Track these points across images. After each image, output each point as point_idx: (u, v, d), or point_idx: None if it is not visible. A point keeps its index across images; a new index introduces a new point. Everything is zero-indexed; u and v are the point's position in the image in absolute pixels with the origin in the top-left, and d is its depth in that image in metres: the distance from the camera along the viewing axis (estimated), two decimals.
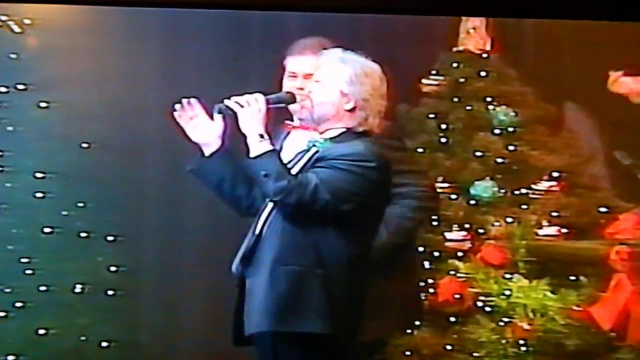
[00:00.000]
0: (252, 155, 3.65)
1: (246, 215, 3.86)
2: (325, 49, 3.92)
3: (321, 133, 3.77)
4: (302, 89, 3.90)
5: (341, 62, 3.76)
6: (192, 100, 3.85)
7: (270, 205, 3.71)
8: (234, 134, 3.80)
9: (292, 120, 4.14)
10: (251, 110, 3.69)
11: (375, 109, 3.76)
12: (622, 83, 5.64)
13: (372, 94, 3.73)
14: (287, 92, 3.91)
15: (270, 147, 3.66)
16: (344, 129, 3.74)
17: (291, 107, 3.97)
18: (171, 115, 3.85)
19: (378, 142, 3.76)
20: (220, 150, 3.83)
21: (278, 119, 4.00)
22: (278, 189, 3.57)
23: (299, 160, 3.76)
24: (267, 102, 3.73)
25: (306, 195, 3.56)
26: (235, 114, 3.72)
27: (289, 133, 4.15)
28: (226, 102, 3.75)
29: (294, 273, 3.61)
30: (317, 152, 3.71)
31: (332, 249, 3.64)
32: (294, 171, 3.69)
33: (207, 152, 3.84)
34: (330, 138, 3.73)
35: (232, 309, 3.75)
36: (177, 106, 3.85)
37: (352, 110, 3.73)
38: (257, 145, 3.64)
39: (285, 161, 3.70)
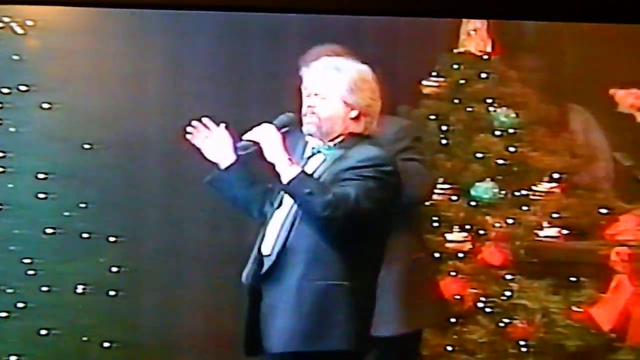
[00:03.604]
0: (286, 179, 3.64)
1: (258, 218, 3.89)
2: (338, 55, 3.91)
3: (326, 141, 3.77)
4: (311, 106, 3.80)
5: (336, 71, 3.75)
6: (205, 119, 3.85)
7: (286, 222, 3.70)
8: None
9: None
10: (271, 139, 3.71)
11: (376, 111, 3.78)
12: (622, 99, 5.64)
13: (372, 98, 3.75)
14: (288, 114, 3.86)
15: (301, 169, 3.67)
16: (345, 134, 3.75)
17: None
18: (184, 137, 3.87)
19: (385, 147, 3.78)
20: (236, 163, 3.84)
21: None
22: (325, 203, 3.56)
23: (304, 166, 3.76)
24: (277, 128, 3.76)
25: (350, 207, 3.56)
26: (258, 145, 3.73)
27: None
28: (245, 137, 3.77)
29: (322, 288, 3.61)
30: (324, 159, 3.73)
31: (361, 258, 3.66)
32: None
33: (223, 166, 3.85)
34: (334, 144, 3.75)
35: (237, 315, 3.77)
36: (190, 128, 3.86)
37: (356, 117, 3.74)
38: (289, 170, 3.65)
39: None
